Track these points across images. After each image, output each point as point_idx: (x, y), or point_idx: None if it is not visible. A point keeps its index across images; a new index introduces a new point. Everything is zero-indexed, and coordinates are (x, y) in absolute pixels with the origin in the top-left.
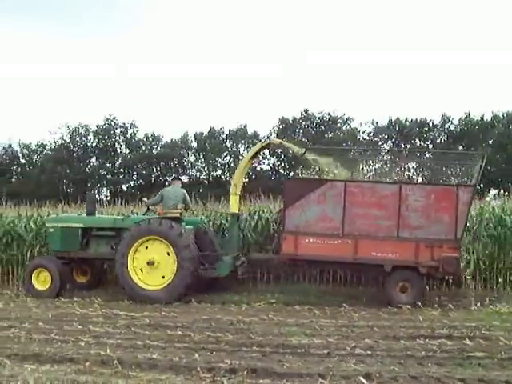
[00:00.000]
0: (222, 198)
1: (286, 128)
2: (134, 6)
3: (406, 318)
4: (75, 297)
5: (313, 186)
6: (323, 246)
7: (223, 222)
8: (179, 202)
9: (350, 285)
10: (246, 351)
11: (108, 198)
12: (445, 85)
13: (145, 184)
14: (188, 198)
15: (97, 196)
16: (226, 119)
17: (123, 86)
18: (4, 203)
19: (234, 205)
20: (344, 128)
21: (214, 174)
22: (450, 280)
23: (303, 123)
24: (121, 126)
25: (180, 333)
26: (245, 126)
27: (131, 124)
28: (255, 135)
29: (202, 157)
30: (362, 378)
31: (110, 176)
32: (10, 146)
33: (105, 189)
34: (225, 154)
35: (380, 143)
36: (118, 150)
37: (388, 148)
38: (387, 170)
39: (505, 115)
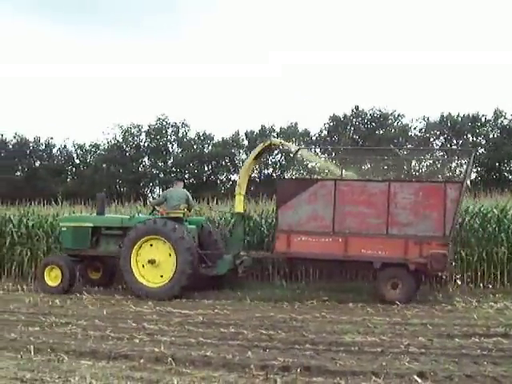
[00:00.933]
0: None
1: (337, 125)
2: (189, 8)
3: (460, 316)
4: (129, 294)
5: (304, 186)
6: (315, 244)
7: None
8: (182, 202)
9: None
10: (299, 349)
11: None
12: (497, 79)
13: (196, 183)
14: (191, 198)
15: (149, 195)
16: (276, 117)
17: (175, 86)
18: (60, 203)
19: (238, 204)
20: (395, 124)
21: (266, 172)
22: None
23: (354, 120)
24: (172, 126)
25: (233, 330)
26: (295, 123)
27: (183, 123)
28: (306, 133)
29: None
30: (416, 377)
31: (162, 175)
32: (65, 146)
33: (157, 188)
34: (276, 152)
35: (432, 139)
36: (170, 150)
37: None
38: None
39: None
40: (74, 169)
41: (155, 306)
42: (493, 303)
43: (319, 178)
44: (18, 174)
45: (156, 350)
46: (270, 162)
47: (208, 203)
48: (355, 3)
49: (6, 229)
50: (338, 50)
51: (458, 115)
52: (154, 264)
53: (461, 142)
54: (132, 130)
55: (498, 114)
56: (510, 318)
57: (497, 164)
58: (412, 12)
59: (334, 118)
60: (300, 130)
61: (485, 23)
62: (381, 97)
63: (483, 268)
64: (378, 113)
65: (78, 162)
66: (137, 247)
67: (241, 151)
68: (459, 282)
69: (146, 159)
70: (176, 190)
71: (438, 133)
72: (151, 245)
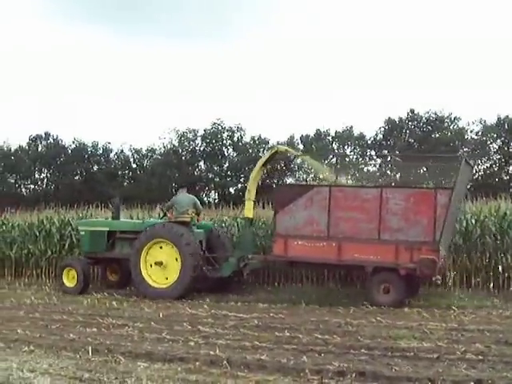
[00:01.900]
0: None
1: (392, 129)
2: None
3: None
4: (185, 298)
5: (301, 192)
6: (310, 248)
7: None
8: (190, 207)
9: (459, 287)
10: (355, 354)
11: (216, 201)
12: None
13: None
14: (198, 203)
15: (205, 199)
16: (331, 121)
17: (230, 91)
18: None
19: (248, 209)
20: (451, 127)
21: (321, 176)
22: None
23: (409, 123)
24: (228, 130)
25: (288, 334)
26: (351, 127)
27: (238, 127)
28: (361, 136)
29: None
30: None
31: (217, 179)
32: (122, 151)
33: (213, 192)
34: (331, 156)
35: (489, 142)
36: (226, 154)
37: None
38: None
39: None
40: (130, 173)
41: (210, 309)
42: None
43: (315, 184)
44: (77, 178)
45: (211, 352)
46: (325, 167)
47: (263, 208)
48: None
49: (65, 232)
50: (393, 53)
51: None
52: (161, 266)
53: None
54: (188, 135)
55: None
56: None
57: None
58: (470, 13)
59: (389, 122)
60: (355, 134)
61: None
62: (436, 100)
63: None
64: (434, 116)
65: (134, 166)
66: (146, 249)
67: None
68: None
69: (201, 163)
70: (183, 196)
71: (495, 136)
72: (161, 247)
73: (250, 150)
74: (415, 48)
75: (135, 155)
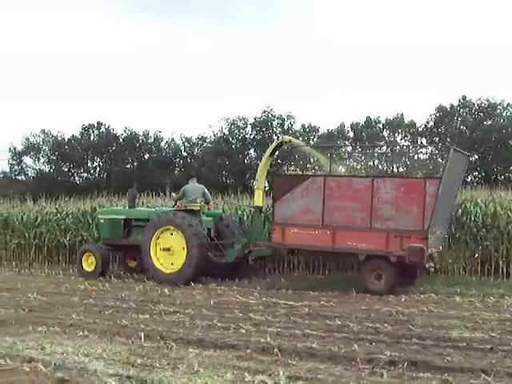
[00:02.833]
0: None
1: (444, 116)
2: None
3: None
4: (235, 285)
5: (297, 182)
6: (306, 236)
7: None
8: (199, 196)
9: None
10: (406, 343)
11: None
12: None
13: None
14: (207, 192)
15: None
16: (382, 108)
17: (280, 78)
18: (168, 194)
19: (257, 198)
20: (504, 114)
21: (370, 163)
22: None
23: (461, 110)
24: (278, 118)
25: (339, 323)
26: (401, 114)
27: (288, 115)
28: (412, 124)
29: (358, 147)
30: None
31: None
32: (173, 139)
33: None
34: (381, 143)
35: None
36: None
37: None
38: None
39: None
40: (181, 161)
41: (261, 296)
42: None
43: (310, 174)
44: (128, 166)
45: (262, 340)
46: (376, 154)
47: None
48: None
49: None
50: (444, 39)
51: None
52: (168, 252)
53: None
54: (238, 123)
55: None
56: None
57: None
58: None
59: (440, 109)
60: (406, 121)
61: None
62: (489, 86)
63: None
64: (486, 103)
65: (185, 154)
66: (157, 234)
67: (346, 143)
68: None
69: (251, 151)
70: (193, 185)
71: None
72: (171, 234)
73: (300, 138)
74: (468, 34)
75: (186, 143)
